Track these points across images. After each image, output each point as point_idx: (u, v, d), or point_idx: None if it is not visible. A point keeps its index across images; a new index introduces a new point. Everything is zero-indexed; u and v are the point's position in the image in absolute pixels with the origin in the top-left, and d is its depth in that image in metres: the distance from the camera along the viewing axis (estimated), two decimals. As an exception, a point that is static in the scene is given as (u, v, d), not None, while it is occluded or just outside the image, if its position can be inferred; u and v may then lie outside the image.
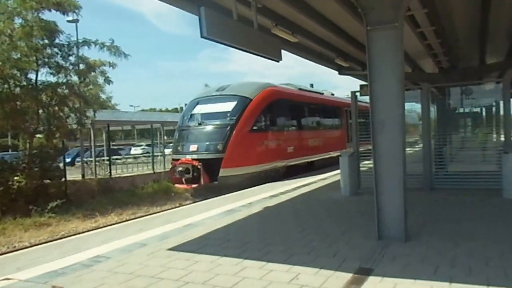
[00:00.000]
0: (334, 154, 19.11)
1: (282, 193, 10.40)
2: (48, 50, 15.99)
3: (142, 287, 4.26)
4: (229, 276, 4.43)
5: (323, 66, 15.91)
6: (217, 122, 14.87)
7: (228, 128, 14.32)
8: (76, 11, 16.20)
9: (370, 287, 4.02)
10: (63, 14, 16.17)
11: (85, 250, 5.79)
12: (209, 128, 14.94)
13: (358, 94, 10.58)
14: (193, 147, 14.48)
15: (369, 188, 6.28)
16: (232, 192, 11.43)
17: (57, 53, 16.09)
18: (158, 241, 6.06)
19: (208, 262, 4.93)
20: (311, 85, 25.56)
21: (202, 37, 5.85)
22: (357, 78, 18.48)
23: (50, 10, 15.51)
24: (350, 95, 10.88)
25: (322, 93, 22.77)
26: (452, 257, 4.77)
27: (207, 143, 14.46)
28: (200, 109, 15.76)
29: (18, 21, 15.30)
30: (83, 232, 10.48)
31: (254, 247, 5.49)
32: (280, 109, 16.42)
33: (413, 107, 12.88)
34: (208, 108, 15.54)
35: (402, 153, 5.48)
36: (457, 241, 5.40)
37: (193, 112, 15.87)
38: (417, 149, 10.24)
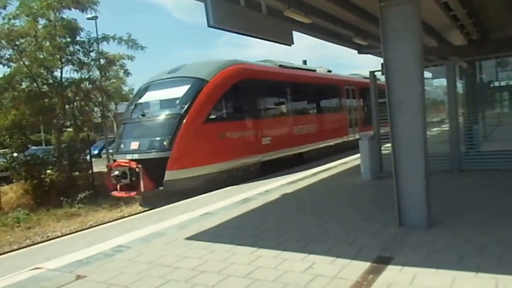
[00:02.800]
0: (332, 142, 17.01)
1: (300, 179, 10.29)
2: (71, 48, 16.47)
3: (159, 276, 4.31)
4: (244, 266, 4.42)
5: (344, 47, 15.56)
6: (165, 112, 11.84)
7: (177, 119, 11.20)
8: (94, 7, 16.55)
9: (389, 277, 3.89)
10: (82, 11, 16.59)
11: (108, 240, 5.94)
12: (154, 120, 11.86)
13: (377, 73, 10.14)
14: (134, 145, 11.50)
15: (391, 171, 6.08)
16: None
17: (79, 50, 16.64)
18: (176, 231, 6.13)
19: (224, 251, 4.94)
20: (304, 62, 22.02)
21: (209, 26, 5.68)
22: (378, 56, 17.90)
23: (69, 9, 15.91)
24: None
25: (314, 70, 18.70)
26: (481, 245, 4.48)
27: (151, 139, 11.37)
28: (148, 96, 12.69)
29: (41, 21, 15.82)
30: (108, 222, 10.78)
31: (270, 236, 5.46)
32: (249, 92, 13.01)
33: (443, 84, 12.19)
34: (157, 95, 12.56)
35: (423, 134, 5.25)
36: (487, 228, 5.07)
37: (139, 101, 12.77)
38: (446, 128, 9.70)
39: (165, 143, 11.02)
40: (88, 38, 16.65)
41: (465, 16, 11.74)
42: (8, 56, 15.78)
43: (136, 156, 11.14)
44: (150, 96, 12.63)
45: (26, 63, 15.81)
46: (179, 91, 11.84)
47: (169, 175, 10.71)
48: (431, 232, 5.08)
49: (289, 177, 10.78)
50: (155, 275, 4.34)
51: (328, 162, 13.10)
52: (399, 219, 5.43)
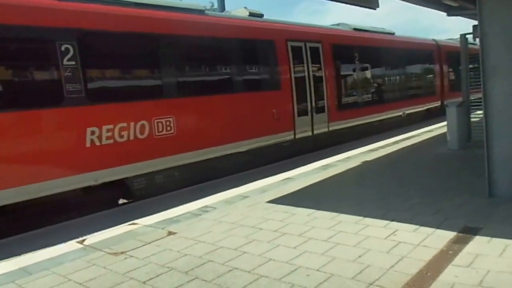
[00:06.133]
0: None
1: (381, 147, 10.02)
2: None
3: (243, 236, 4.57)
4: (325, 230, 4.53)
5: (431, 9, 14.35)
6: None
7: None
8: None
9: (477, 247, 3.78)
10: None
11: (196, 200, 6.30)
12: None
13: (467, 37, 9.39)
14: None
15: (481, 141, 5.73)
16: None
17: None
18: (258, 194, 6.38)
19: (305, 215, 5.09)
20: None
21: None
22: (470, 18, 16.34)
23: None
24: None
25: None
26: None
27: None
28: None
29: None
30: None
31: (350, 202, 5.49)
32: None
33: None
34: None
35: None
36: None
37: None
38: None
39: None
40: None
41: None
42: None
43: None
44: None
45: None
46: None
47: None
48: (523, 205, 4.80)
49: (370, 144, 10.57)
50: (240, 235, 4.62)
51: (411, 130, 12.57)
52: (488, 189, 5.19)
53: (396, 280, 3.30)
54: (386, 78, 15.45)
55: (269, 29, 10.70)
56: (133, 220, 5.48)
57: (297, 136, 10.86)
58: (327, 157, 9.04)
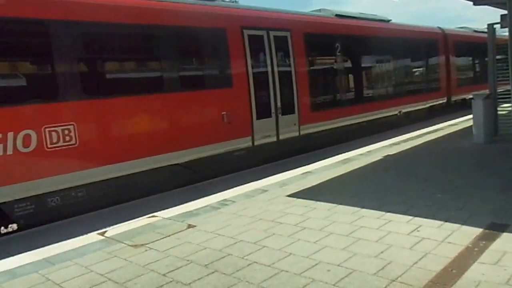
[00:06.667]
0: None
1: (404, 141, 9.81)
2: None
3: (263, 229, 4.54)
4: (346, 225, 4.46)
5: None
6: None
7: None
8: None
9: (504, 245, 3.66)
10: None
11: (215, 193, 6.31)
12: None
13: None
14: None
15: (509, 134, 5.54)
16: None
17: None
18: (277, 188, 6.33)
19: (325, 210, 5.02)
20: None
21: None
22: (498, 7, 15.76)
23: None
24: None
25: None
26: None
27: None
28: None
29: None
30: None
31: (372, 197, 5.39)
32: None
33: None
34: None
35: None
36: None
37: None
38: None
39: None
40: None
41: None
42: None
43: None
44: None
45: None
46: None
47: None
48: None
49: (392, 138, 10.38)
50: (259, 229, 4.59)
51: (434, 124, 12.29)
52: (517, 185, 4.99)
53: (419, 277, 3.22)
54: (377, 72, 13.65)
55: (218, 15, 8.88)
56: (153, 212, 5.51)
57: (256, 143, 9.23)
58: (348, 151, 8.91)
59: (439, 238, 3.90)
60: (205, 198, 6.11)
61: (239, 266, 3.66)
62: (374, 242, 3.96)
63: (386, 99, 13.56)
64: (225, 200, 5.92)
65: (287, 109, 9.88)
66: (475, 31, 19.44)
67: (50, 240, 4.77)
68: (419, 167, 7.08)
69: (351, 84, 12.81)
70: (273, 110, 9.56)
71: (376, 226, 4.34)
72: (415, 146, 9.11)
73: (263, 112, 9.36)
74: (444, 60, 16.79)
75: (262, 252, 3.94)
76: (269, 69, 9.55)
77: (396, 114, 13.93)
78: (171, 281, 3.47)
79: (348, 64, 12.50)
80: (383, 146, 9.30)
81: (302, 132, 10.23)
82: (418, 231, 4.13)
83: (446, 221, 4.29)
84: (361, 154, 8.52)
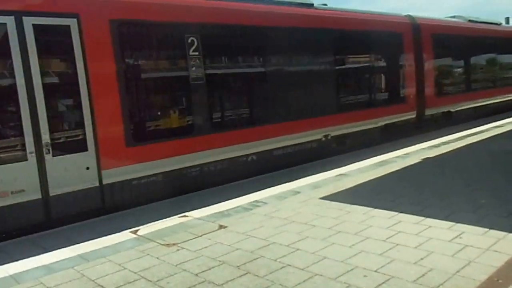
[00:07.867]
0: None
1: (444, 143, 9.42)
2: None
3: (296, 232, 4.45)
4: (383, 229, 4.30)
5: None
6: None
7: None
8: None
9: (555, 255, 3.42)
10: None
11: (246, 194, 6.25)
12: None
13: None
14: None
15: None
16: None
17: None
18: (310, 190, 6.21)
19: (361, 213, 4.87)
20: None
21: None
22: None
23: None
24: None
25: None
26: None
27: None
28: None
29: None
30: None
31: (410, 201, 5.18)
32: None
33: None
34: None
35: None
36: None
37: None
38: None
39: None
40: None
41: None
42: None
43: None
44: None
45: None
46: None
47: None
48: None
49: (431, 140, 10.00)
50: (292, 231, 4.49)
51: (478, 125, 11.74)
52: None
53: (462, 286, 3.04)
54: (275, 79, 9.18)
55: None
56: (184, 212, 5.52)
57: None
58: (384, 153, 8.65)
59: (484, 246, 3.68)
60: (237, 199, 6.06)
61: (272, 268, 3.58)
62: (413, 248, 3.78)
63: (295, 120, 9.38)
64: (256, 201, 5.84)
65: (66, 144, 6.39)
66: (470, 20, 15.80)
67: (84, 237, 4.86)
68: (461, 170, 6.76)
69: (213, 99, 8.76)
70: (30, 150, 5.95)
71: (415, 232, 4.15)
72: (457, 149, 8.69)
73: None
74: (413, 61, 12.49)
75: (296, 255, 3.84)
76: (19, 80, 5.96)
77: (320, 139, 9.93)
78: (203, 281, 3.44)
79: (198, 66, 8.03)
80: (422, 149, 8.94)
81: (105, 182, 6.71)
82: (460, 238, 3.92)
83: (491, 228, 4.05)
84: (398, 157, 8.23)
